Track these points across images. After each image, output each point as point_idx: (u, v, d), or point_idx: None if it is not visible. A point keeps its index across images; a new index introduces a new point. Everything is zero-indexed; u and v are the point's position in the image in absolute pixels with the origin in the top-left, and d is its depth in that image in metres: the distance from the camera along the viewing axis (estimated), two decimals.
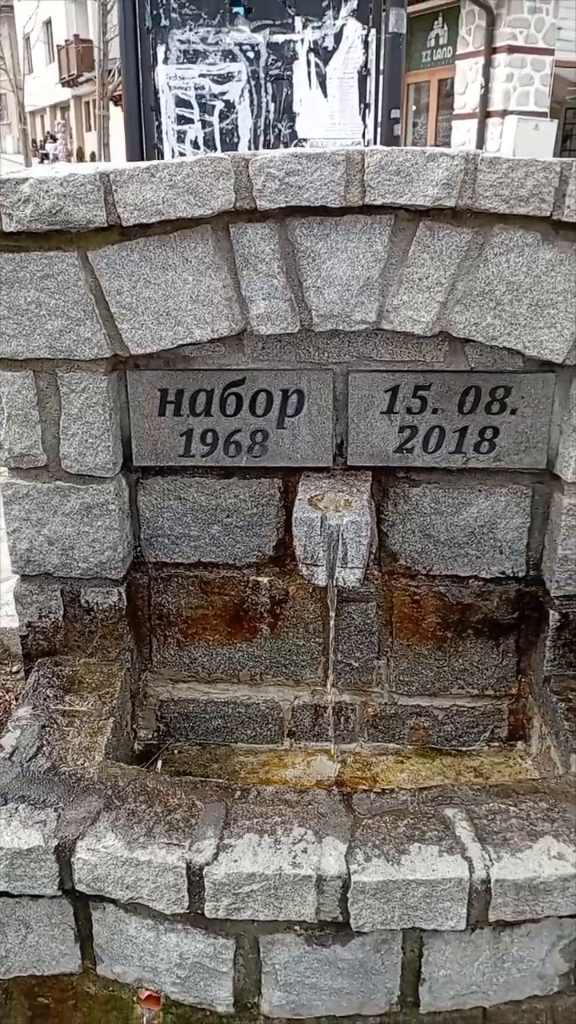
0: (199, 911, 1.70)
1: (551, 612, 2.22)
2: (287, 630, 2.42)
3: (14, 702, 2.56)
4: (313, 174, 1.78)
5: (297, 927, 1.71)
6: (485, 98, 15.41)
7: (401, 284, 1.91)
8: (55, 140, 31.13)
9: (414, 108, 18.50)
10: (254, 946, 1.73)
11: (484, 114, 15.57)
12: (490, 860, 1.65)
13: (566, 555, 2.14)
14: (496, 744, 2.48)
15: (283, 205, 1.82)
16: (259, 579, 2.38)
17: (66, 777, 1.92)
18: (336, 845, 1.70)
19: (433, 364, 2.09)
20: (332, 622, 2.20)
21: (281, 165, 1.78)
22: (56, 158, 29.51)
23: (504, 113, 15.08)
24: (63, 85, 30.77)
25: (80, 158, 28.31)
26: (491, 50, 14.99)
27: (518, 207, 1.80)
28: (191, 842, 1.72)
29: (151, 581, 2.40)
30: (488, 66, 15.16)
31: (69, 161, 30.05)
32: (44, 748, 2.00)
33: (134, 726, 2.51)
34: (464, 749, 2.49)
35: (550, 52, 14.82)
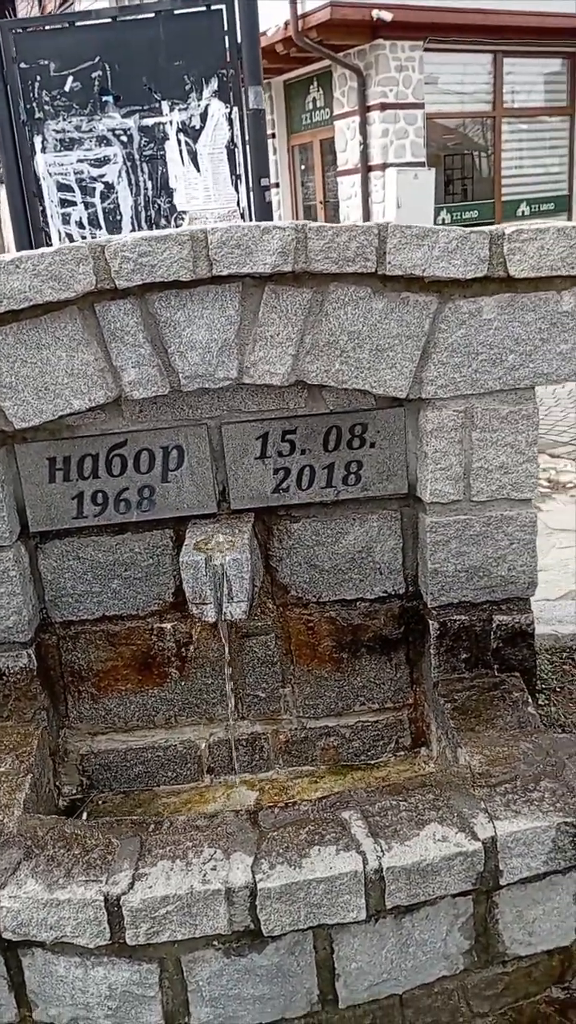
0: (121, 940, 1.80)
1: (431, 623, 2.42)
2: (195, 671, 2.56)
3: None
4: (163, 254, 1.99)
5: (215, 942, 1.83)
6: (365, 153, 16.23)
7: (256, 342, 2.13)
8: None
9: (302, 168, 19.33)
10: (177, 967, 1.84)
11: (366, 168, 16.37)
12: (381, 851, 1.81)
13: (436, 568, 2.36)
14: (402, 753, 2.65)
15: (140, 283, 2.02)
16: (163, 626, 2.52)
17: None
18: (243, 859, 1.84)
19: (296, 410, 2.31)
20: (227, 655, 2.35)
21: (134, 248, 1.99)
22: None
23: (384, 166, 15.91)
24: None
25: None
26: (365, 108, 15.85)
27: (347, 266, 2.04)
28: (108, 876, 1.83)
29: (59, 640, 2.52)
30: (364, 124, 16.01)
31: None
32: None
33: (57, 783, 2.59)
34: (373, 762, 2.65)
35: (420, 106, 15.76)
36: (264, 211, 5.17)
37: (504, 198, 17.25)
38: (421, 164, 15.93)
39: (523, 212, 17.36)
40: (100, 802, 2.63)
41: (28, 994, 1.91)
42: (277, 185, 19.57)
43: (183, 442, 2.31)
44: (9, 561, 2.30)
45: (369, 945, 1.87)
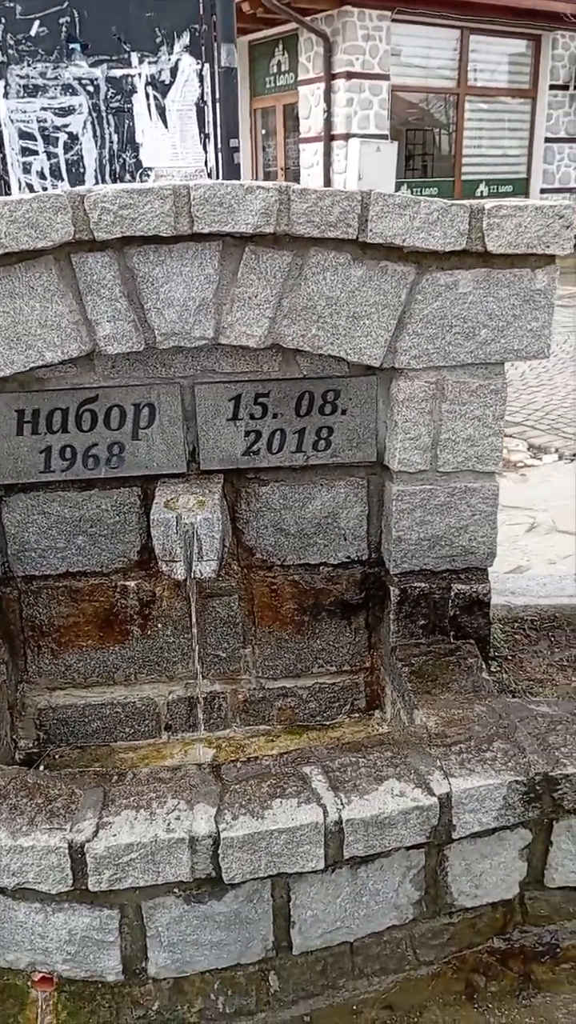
0: (83, 887, 1.82)
1: (392, 589, 2.48)
2: (157, 629, 2.58)
3: None
4: (144, 207, 1.97)
5: (176, 889, 1.87)
6: (328, 122, 16.09)
7: (234, 303, 2.13)
8: None
9: (263, 132, 19.06)
10: (137, 913, 1.88)
11: (329, 137, 16.24)
12: (341, 804, 1.87)
13: (399, 536, 2.41)
14: (356, 715, 2.72)
15: (119, 236, 1.99)
16: (127, 583, 2.53)
17: None
18: (206, 810, 1.88)
19: (270, 373, 2.32)
20: (194, 614, 2.37)
21: (114, 200, 1.96)
22: None
23: (347, 136, 15.80)
24: None
25: None
26: (330, 76, 15.68)
27: (328, 231, 2.05)
28: (72, 824, 1.85)
29: (21, 595, 2.51)
30: (329, 91, 15.85)
31: None
32: None
33: (14, 736, 2.60)
34: (328, 723, 2.72)
35: (386, 78, 15.65)
36: (232, 172, 5.11)
37: (464, 177, 17.31)
38: (384, 137, 15.87)
39: (481, 192, 17.46)
40: (56, 756, 2.64)
41: None
42: (238, 148, 19.28)
43: (155, 400, 2.30)
44: None
45: (325, 894, 1.94)
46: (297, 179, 17.26)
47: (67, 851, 1.80)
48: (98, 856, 1.80)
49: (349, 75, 15.29)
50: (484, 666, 2.40)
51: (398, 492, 2.37)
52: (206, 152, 5.09)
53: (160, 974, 1.94)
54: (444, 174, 17.34)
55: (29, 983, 1.98)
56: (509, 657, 2.65)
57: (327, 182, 16.20)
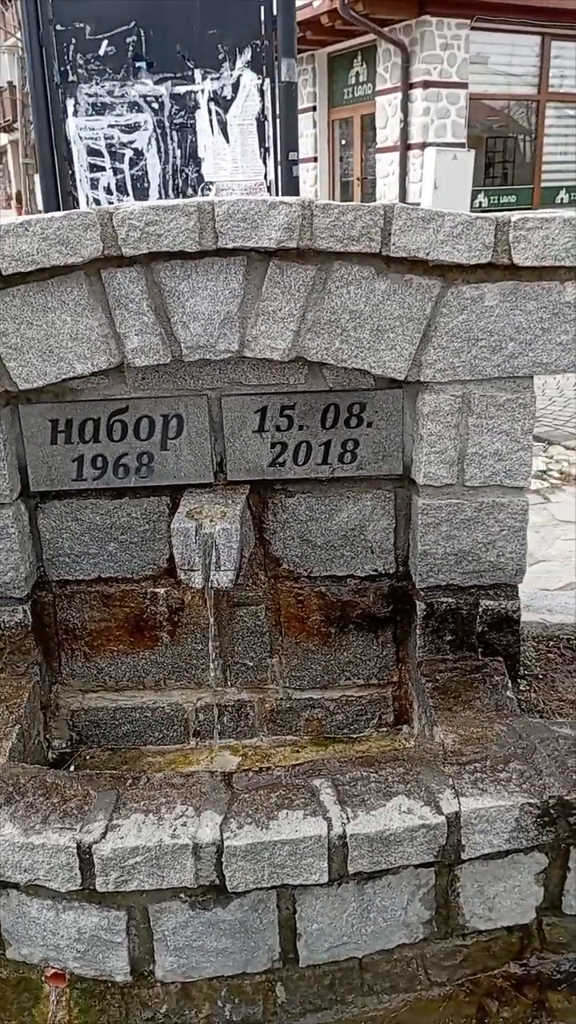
0: (91, 887, 1.87)
1: (418, 603, 2.46)
2: (185, 636, 2.62)
3: None
4: (170, 223, 2.02)
5: (181, 894, 1.89)
6: (405, 131, 16.05)
7: (258, 316, 2.16)
8: None
9: (342, 143, 19.16)
10: (144, 915, 1.91)
11: (405, 146, 16.20)
12: (347, 818, 1.87)
13: (425, 550, 2.39)
14: (384, 729, 2.70)
15: (146, 251, 2.05)
16: (156, 590, 2.58)
17: None
18: (213, 817, 1.90)
19: (296, 386, 2.34)
20: (212, 622, 2.40)
21: (141, 216, 2.02)
22: None
23: (423, 145, 15.72)
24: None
25: (20, 202, 28.44)
26: (408, 85, 15.65)
27: (351, 246, 2.06)
28: (82, 825, 1.90)
29: (55, 598, 2.59)
30: (406, 101, 15.81)
31: (8, 206, 30.18)
32: None
33: (47, 736, 2.68)
34: (355, 736, 2.71)
35: (464, 86, 15.53)
36: (291, 186, 5.15)
37: (544, 184, 17.00)
38: (461, 145, 15.72)
39: (562, 199, 17.11)
40: (88, 757, 2.71)
41: (2, 933, 1.99)
42: (315, 159, 19.41)
43: (183, 411, 2.35)
44: (8, 518, 2.36)
45: (331, 908, 1.93)
46: (373, 189, 17.28)
47: (76, 851, 1.85)
48: (105, 858, 1.84)
49: (426, 84, 15.23)
50: (509, 684, 2.35)
51: (424, 506, 2.35)
52: (266, 166, 5.15)
53: (167, 977, 1.97)
54: (524, 181, 17.06)
55: (43, 978, 2.04)
56: (541, 676, 2.59)
57: (403, 192, 16.16)
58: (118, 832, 1.87)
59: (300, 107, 19.35)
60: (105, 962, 1.95)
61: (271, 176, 5.17)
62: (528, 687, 2.53)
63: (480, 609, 2.45)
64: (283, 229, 2.03)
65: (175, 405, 2.35)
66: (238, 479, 2.42)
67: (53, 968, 2.00)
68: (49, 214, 2.04)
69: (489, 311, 2.14)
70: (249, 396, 2.34)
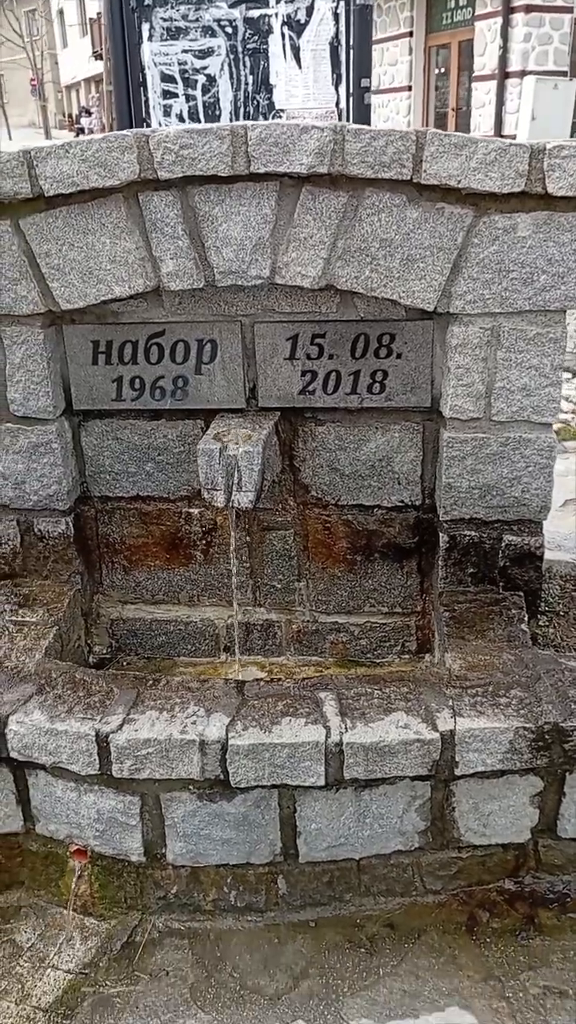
0: (108, 772, 2.04)
1: (441, 535, 2.50)
2: (218, 556, 2.74)
3: None
4: (203, 147, 2.06)
5: (190, 786, 2.04)
6: (504, 59, 15.32)
7: (290, 243, 2.19)
8: (90, 114, 31.27)
9: (438, 71, 18.39)
10: (156, 803, 2.07)
11: (503, 75, 15.49)
12: (345, 728, 1.97)
13: (450, 483, 2.42)
14: (406, 656, 2.78)
15: (180, 175, 2.10)
16: (191, 511, 2.69)
17: (8, 670, 2.27)
18: (221, 719, 2.03)
19: (327, 314, 2.37)
20: (233, 542, 2.50)
21: (176, 140, 2.06)
22: (91, 132, 29.62)
23: (523, 74, 14.98)
24: (95, 58, 30.81)
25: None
26: (509, 9, 14.88)
27: (382, 172, 2.06)
28: (102, 716, 2.06)
29: (97, 513, 2.73)
30: (506, 26, 15.06)
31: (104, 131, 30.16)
32: None
33: (88, 641, 2.86)
34: (378, 661, 2.80)
35: (569, 10, 14.66)
36: (362, 114, 5.04)
37: None
38: (563, 74, 14.90)
39: None
40: (125, 664, 2.89)
41: (32, 809, 2.20)
42: (409, 89, 18.69)
43: (217, 337, 2.42)
44: (52, 434, 2.49)
45: (329, 810, 2.05)
46: (468, 120, 16.59)
47: (94, 739, 2.01)
48: (120, 746, 2.00)
49: (528, 8, 14.43)
50: (525, 618, 2.39)
51: (450, 439, 2.37)
52: (337, 93, 5.05)
53: (178, 861, 2.14)
54: None
55: (68, 853, 2.24)
56: (561, 613, 2.61)
57: (498, 123, 15.49)
58: (133, 725, 2.02)
59: (395, 32, 18.55)
60: (122, 842, 2.13)
61: (343, 104, 5.06)
62: (548, 623, 2.56)
63: (503, 544, 2.48)
64: (314, 154, 2.05)
65: (210, 330, 2.41)
66: (269, 406, 2.49)
67: (76, 844, 2.20)
68: (88, 136, 2.11)
69: (521, 242, 2.12)
70: (281, 324, 2.39)
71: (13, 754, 2.08)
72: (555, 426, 2.36)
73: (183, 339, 2.43)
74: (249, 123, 2.06)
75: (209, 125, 2.06)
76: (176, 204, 2.17)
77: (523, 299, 2.18)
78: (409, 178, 2.06)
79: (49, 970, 2.12)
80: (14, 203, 2.19)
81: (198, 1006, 1.99)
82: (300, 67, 5.05)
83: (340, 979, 2.02)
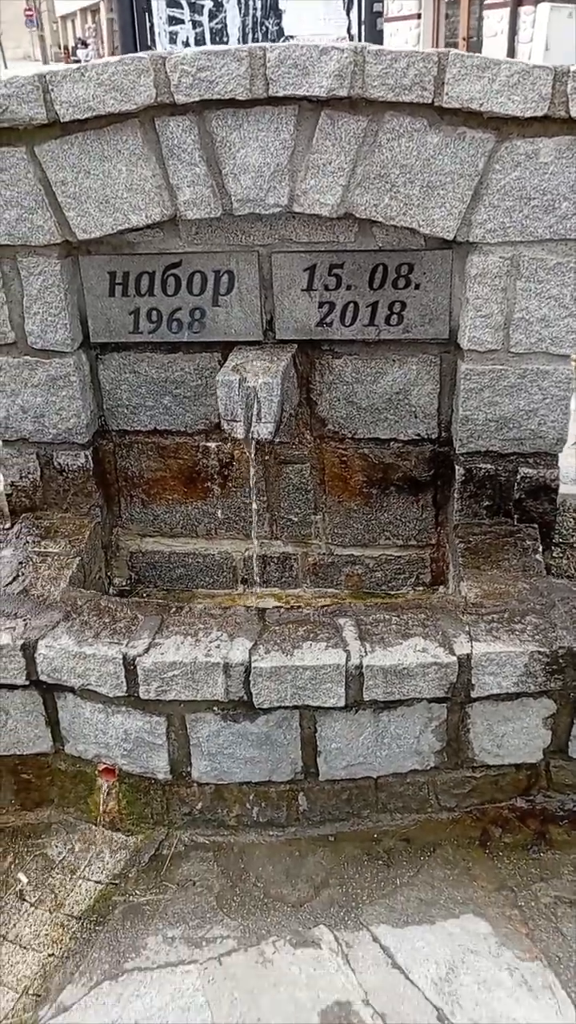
0: (135, 694, 2.11)
1: (457, 468, 2.52)
2: (235, 490, 2.77)
3: None
4: (221, 69, 2.03)
5: (214, 707, 2.12)
6: None
7: (308, 170, 2.17)
8: (86, 45, 30.26)
9: None
10: (182, 723, 2.15)
11: (516, 3, 14.89)
12: (365, 652, 2.03)
13: (467, 416, 2.43)
14: (420, 588, 2.84)
15: (198, 99, 2.07)
16: (208, 444, 2.72)
17: (35, 598, 2.33)
18: (244, 643, 2.09)
19: (345, 244, 2.36)
20: (253, 475, 2.52)
21: (193, 62, 2.03)
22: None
23: (537, 1, 14.40)
24: None
25: None
26: None
27: (403, 95, 2.03)
28: (128, 641, 2.12)
29: (115, 447, 2.76)
30: None
31: None
32: (19, 577, 2.41)
33: (109, 574, 2.92)
34: (393, 593, 2.85)
35: None
36: (374, 40, 4.89)
37: None
38: None
39: None
40: (144, 595, 2.95)
41: (61, 730, 2.28)
42: (419, 17, 18.04)
43: (234, 267, 2.41)
44: (71, 367, 2.50)
45: (348, 730, 2.13)
46: (479, 50, 16.03)
47: (121, 662, 2.07)
48: (146, 669, 2.06)
49: None
50: (540, 549, 2.43)
51: (467, 371, 2.38)
52: (349, 19, 4.89)
53: (202, 779, 2.22)
54: None
55: (96, 772, 2.32)
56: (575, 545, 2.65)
57: (511, 53, 14.96)
58: (159, 649, 2.09)
59: None
60: (148, 761, 2.21)
61: (354, 30, 4.92)
62: (562, 554, 2.60)
63: (518, 476, 2.50)
64: (334, 76, 2.01)
65: (227, 261, 2.40)
66: (286, 338, 2.49)
67: (104, 763, 2.28)
68: (104, 59, 2.07)
69: (543, 168, 2.09)
70: (299, 254, 2.38)
71: (42, 677, 2.15)
72: (572, 357, 2.36)
73: (200, 270, 2.42)
74: (268, 44, 2.02)
75: (226, 47, 2.02)
76: (193, 130, 2.14)
77: (544, 227, 2.16)
78: (430, 101, 2.03)
79: (80, 881, 2.22)
80: (29, 129, 2.17)
81: (224, 912, 2.09)
82: None
83: (359, 888, 2.12)
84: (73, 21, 35.31)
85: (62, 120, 2.12)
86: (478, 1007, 1.82)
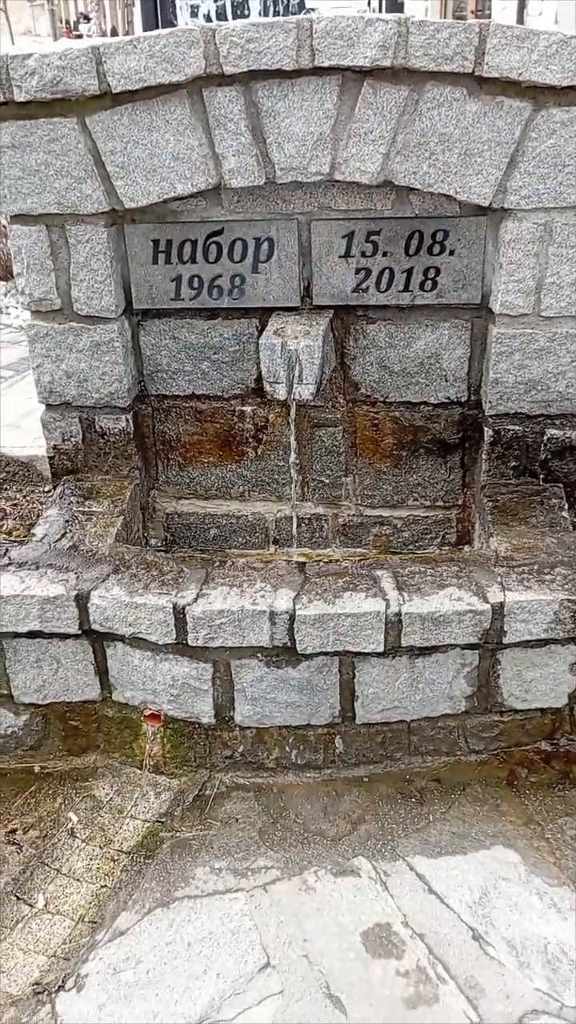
0: (184, 642, 2.22)
1: (486, 430, 2.62)
2: (269, 453, 2.87)
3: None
4: (269, 40, 2.10)
5: (259, 654, 2.23)
6: None
7: (350, 138, 2.25)
8: (88, 20, 29.92)
9: None
10: (227, 669, 2.27)
11: None
12: (403, 600, 2.14)
13: (497, 378, 2.53)
14: (446, 548, 2.94)
15: (245, 69, 2.15)
16: (244, 408, 2.81)
17: (84, 552, 2.44)
18: (287, 593, 2.20)
19: (383, 212, 2.44)
20: (293, 437, 2.63)
21: (242, 33, 2.10)
22: (91, 38, 28.40)
23: None
24: None
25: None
26: None
27: (444, 65, 2.11)
28: (177, 591, 2.23)
29: (154, 411, 2.86)
30: None
31: None
32: (67, 534, 2.52)
33: (145, 534, 3.03)
34: (419, 552, 2.96)
35: None
36: (395, 12, 4.92)
37: None
38: None
39: None
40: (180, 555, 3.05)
41: (110, 679, 2.39)
42: None
43: (274, 235, 2.49)
44: (114, 332, 2.60)
45: (385, 676, 2.24)
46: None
47: (171, 610, 2.19)
48: (196, 617, 2.17)
49: None
50: (566, 507, 2.53)
51: (499, 335, 2.47)
52: None
53: (245, 723, 2.34)
54: None
55: (142, 718, 2.44)
56: None
57: None
58: (207, 599, 2.20)
59: None
60: (193, 706, 2.33)
61: (375, 4, 4.95)
62: None
63: (545, 437, 2.60)
64: (378, 47, 2.09)
65: (267, 228, 2.49)
66: (323, 304, 2.58)
67: (150, 709, 2.40)
68: (156, 31, 2.15)
69: None
70: (337, 221, 2.46)
71: (95, 626, 2.27)
72: None
73: (241, 237, 2.50)
74: (314, 15, 2.10)
75: (275, 19, 2.10)
76: (239, 100, 2.22)
77: None
78: (470, 71, 2.11)
79: (128, 819, 2.34)
80: (81, 100, 2.25)
81: (267, 846, 2.21)
82: None
83: (394, 824, 2.24)
84: None
85: (113, 91, 2.20)
86: (511, 927, 1.95)
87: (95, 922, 2.09)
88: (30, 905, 2.12)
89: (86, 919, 2.11)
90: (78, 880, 2.21)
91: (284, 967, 1.91)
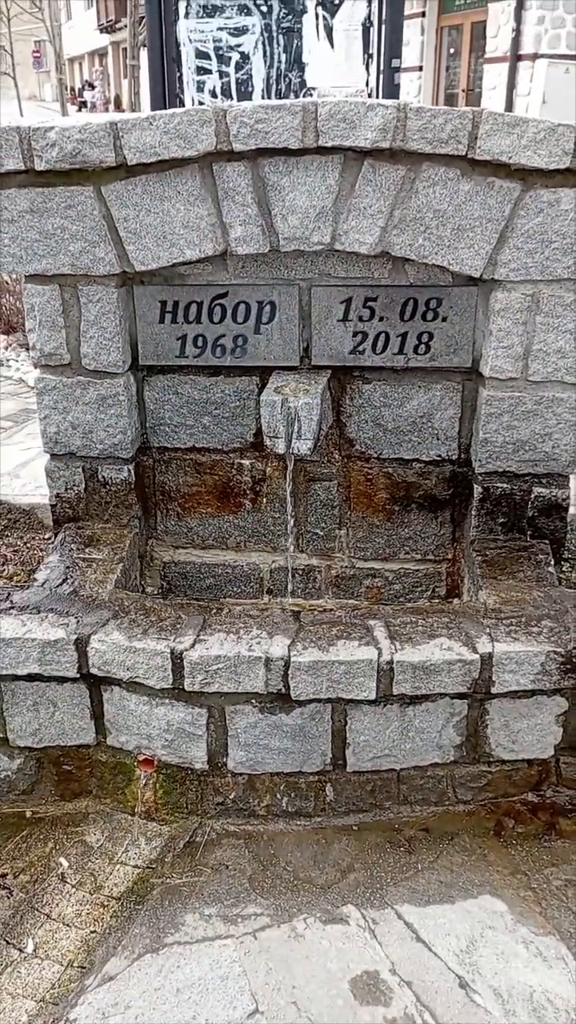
0: (180, 687, 2.27)
1: (475, 487, 2.73)
2: (265, 505, 2.96)
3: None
4: (276, 122, 2.26)
5: (253, 700, 2.28)
6: (516, 41, 15.31)
7: (350, 212, 2.40)
8: (93, 88, 31.18)
9: (450, 52, 18.37)
10: (221, 714, 2.31)
11: (515, 57, 15.48)
12: (395, 649, 2.21)
13: (486, 438, 2.64)
14: (436, 600, 3.02)
15: (254, 148, 2.30)
16: (242, 462, 2.91)
17: (84, 598, 2.50)
18: (282, 640, 2.26)
19: (380, 279, 2.58)
20: (289, 489, 2.72)
21: (251, 115, 2.26)
22: (94, 106, 29.55)
23: (535, 56, 15.00)
24: (101, 31, 30.68)
25: (118, 106, 28.31)
26: None
27: (440, 147, 2.27)
28: (175, 637, 2.29)
29: (155, 463, 2.96)
30: (520, 8, 15.04)
31: (107, 109, 30.13)
32: (68, 580, 2.59)
33: (142, 582, 3.09)
34: (410, 605, 3.03)
35: None
36: (391, 93, 5.21)
37: None
38: (575, 58, 14.93)
39: None
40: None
41: (105, 723, 2.43)
42: (420, 69, 18.70)
43: (276, 299, 2.63)
44: (120, 387, 2.71)
45: (376, 724, 2.29)
46: (479, 102, 16.62)
47: (169, 655, 2.24)
48: (193, 662, 2.23)
49: None
50: (552, 562, 2.62)
51: (488, 397, 2.59)
52: (368, 73, 5.22)
53: (237, 769, 2.38)
54: None
55: (135, 763, 2.47)
56: None
57: (508, 106, 15.52)
58: (204, 644, 2.26)
59: (407, 13, 18.54)
60: (187, 751, 2.37)
61: (372, 83, 5.24)
62: (571, 568, 2.80)
63: (532, 495, 2.71)
64: (379, 130, 2.25)
65: (269, 292, 2.63)
66: (321, 364, 2.71)
67: (144, 754, 2.44)
68: (171, 110, 2.30)
69: (564, 215, 2.33)
70: (336, 287, 2.60)
71: (93, 670, 2.32)
72: None
73: (244, 300, 2.64)
74: (318, 99, 2.26)
75: (282, 101, 2.26)
76: (247, 174, 2.37)
77: (563, 267, 2.39)
78: (464, 154, 2.27)
79: (118, 866, 2.36)
80: (98, 171, 2.39)
81: (257, 893, 2.23)
82: (332, 46, 5.22)
83: (383, 872, 2.27)
84: (80, 63, 36.35)
85: (129, 164, 2.35)
86: (497, 975, 1.97)
87: (84, 967, 2.09)
88: (19, 950, 2.12)
89: (75, 964, 2.11)
90: (68, 925, 2.21)
91: (273, 1013, 1.92)
